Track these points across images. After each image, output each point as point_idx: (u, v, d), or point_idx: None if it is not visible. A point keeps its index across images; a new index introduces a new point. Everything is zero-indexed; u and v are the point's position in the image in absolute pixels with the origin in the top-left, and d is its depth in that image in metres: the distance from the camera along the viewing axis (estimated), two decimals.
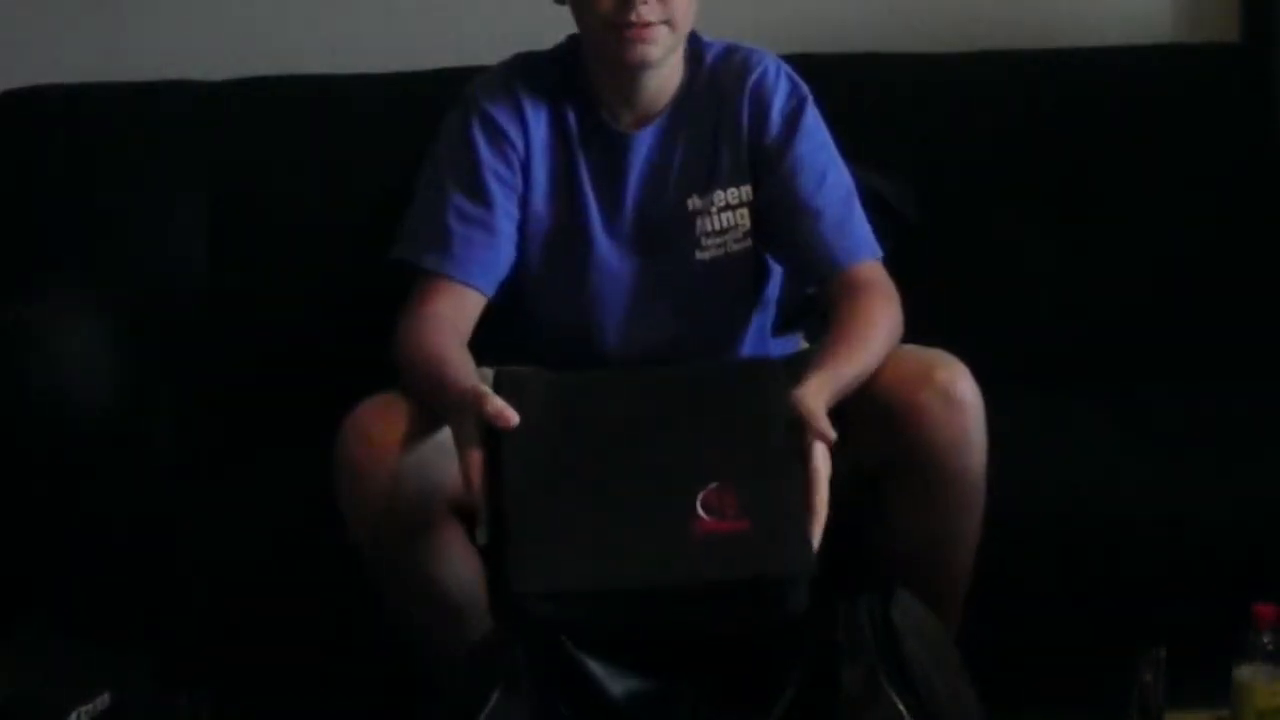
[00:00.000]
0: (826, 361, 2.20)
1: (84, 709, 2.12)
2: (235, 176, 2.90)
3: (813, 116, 2.46)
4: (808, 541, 2.01)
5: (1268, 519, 2.45)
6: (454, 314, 2.36)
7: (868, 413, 2.22)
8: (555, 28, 2.53)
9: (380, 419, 2.22)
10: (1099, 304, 2.87)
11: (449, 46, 2.60)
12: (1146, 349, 2.85)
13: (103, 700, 2.13)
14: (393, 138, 2.86)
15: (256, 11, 3.08)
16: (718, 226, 2.45)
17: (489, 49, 2.59)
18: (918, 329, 2.58)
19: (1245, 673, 2.12)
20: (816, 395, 2.11)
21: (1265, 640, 2.10)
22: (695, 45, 2.47)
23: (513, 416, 2.05)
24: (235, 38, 3.07)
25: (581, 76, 2.45)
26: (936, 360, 2.25)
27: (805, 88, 2.47)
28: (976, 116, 2.94)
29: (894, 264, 2.65)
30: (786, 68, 2.48)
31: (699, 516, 2.01)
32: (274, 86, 2.96)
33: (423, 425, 2.21)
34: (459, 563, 2.26)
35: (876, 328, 2.30)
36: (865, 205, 2.60)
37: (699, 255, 2.45)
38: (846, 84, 2.92)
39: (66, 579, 2.47)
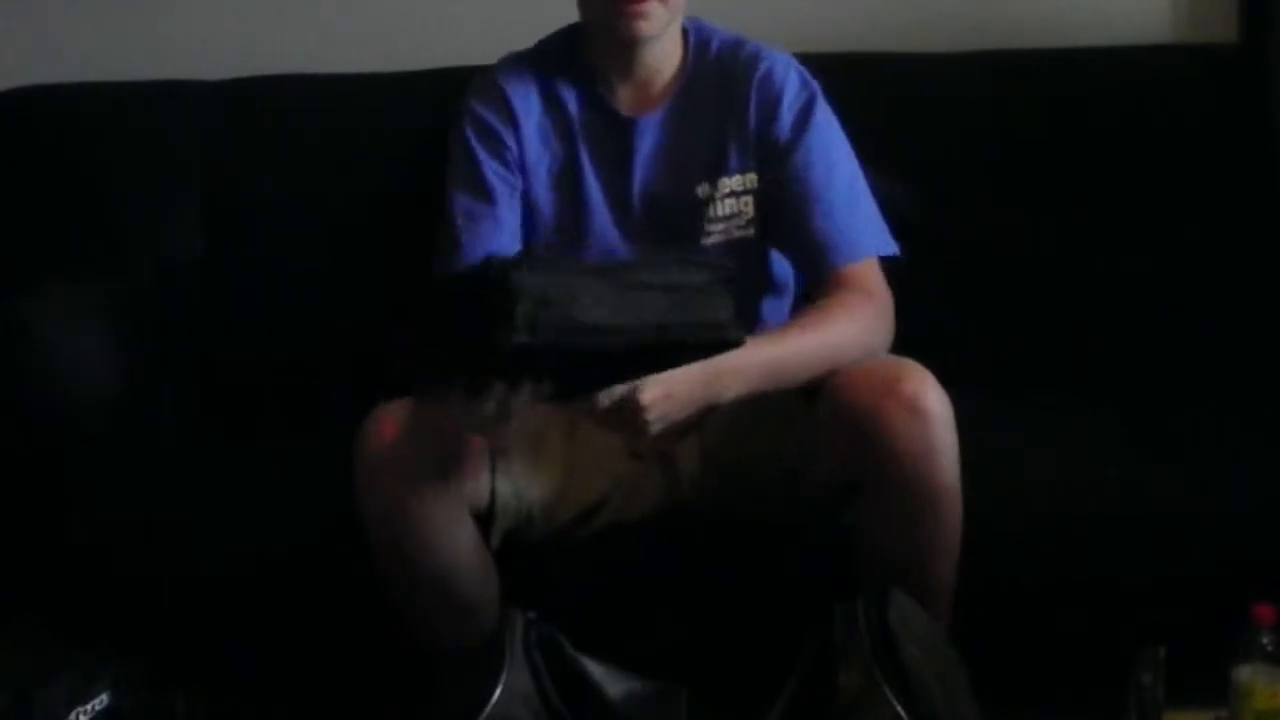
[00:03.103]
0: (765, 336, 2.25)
1: (82, 709, 2.13)
2: (234, 176, 2.91)
3: (823, 111, 2.49)
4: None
5: (1267, 519, 2.45)
6: None
7: (836, 425, 2.24)
8: (553, 27, 2.54)
9: (398, 424, 2.23)
10: (1098, 304, 2.87)
11: (448, 46, 2.60)
12: (1146, 349, 2.84)
13: (101, 701, 2.14)
14: (392, 138, 2.86)
15: (256, 11, 3.08)
16: (723, 213, 2.47)
17: (489, 49, 2.59)
18: (916, 329, 2.58)
19: (1244, 673, 2.11)
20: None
21: (1264, 641, 2.10)
22: (702, 32, 2.50)
23: None
24: (235, 38, 3.07)
25: (580, 58, 2.48)
26: (902, 370, 2.24)
27: (815, 84, 2.50)
28: (976, 116, 2.94)
29: (893, 264, 2.65)
30: (796, 63, 2.51)
31: None
32: (273, 86, 2.96)
33: (441, 429, 2.22)
34: (473, 563, 2.29)
35: (834, 322, 2.32)
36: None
37: (704, 241, 2.47)
38: (846, 84, 2.91)
39: (65, 579, 2.47)
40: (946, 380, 2.24)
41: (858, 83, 2.92)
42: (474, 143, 2.47)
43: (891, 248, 2.46)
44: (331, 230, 2.86)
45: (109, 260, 2.84)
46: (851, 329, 2.33)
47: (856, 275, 2.40)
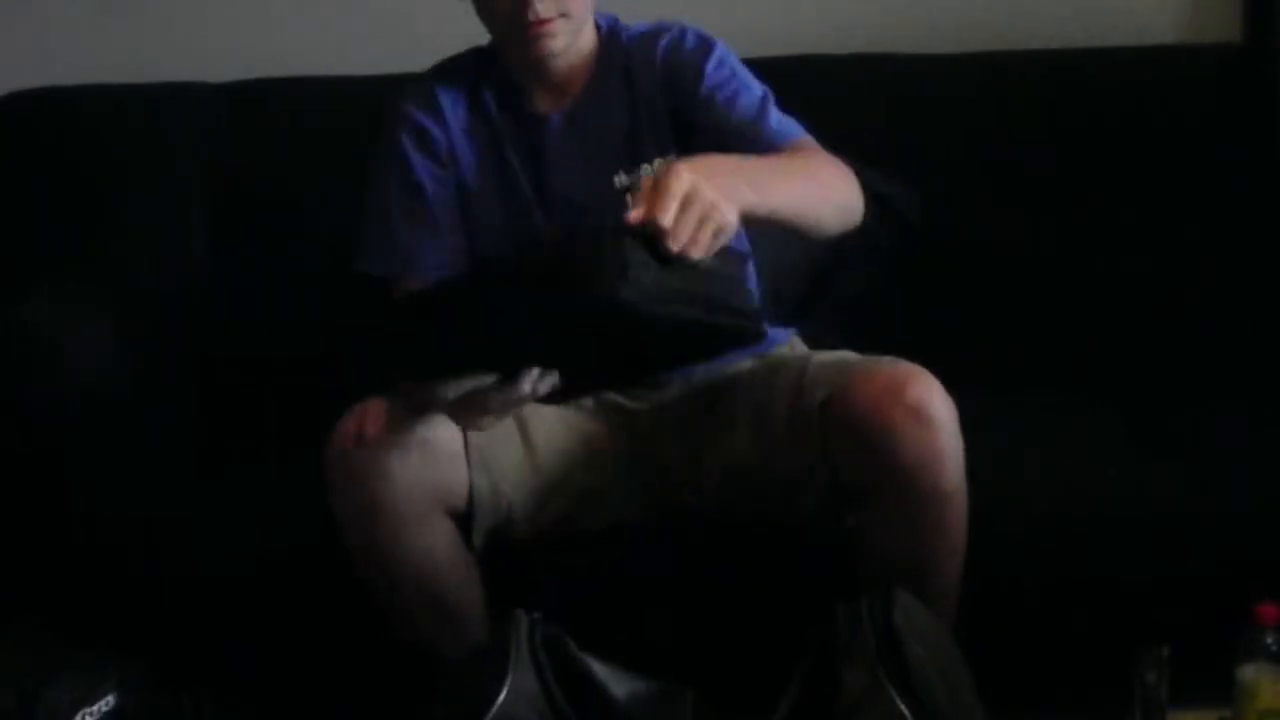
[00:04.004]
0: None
1: (89, 710, 2.12)
2: (235, 178, 2.92)
3: (719, 59, 2.44)
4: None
5: (1268, 519, 2.45)
6: None
7: (842, 431, 2.23)
8: None
9: (369, 421, 2.24)
10: (1099, 304, 2.87)
11: (448, 47, 2.60)
12: (1147, 349, 2.85)
13: (107, 702, 2.14)
14: None
15: (256, 13, 3.09)
16: None
17: None
18: (917, 329, 2.59)
19: (1248, 672, 2.11)
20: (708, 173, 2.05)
21: (1268, 640, 2.10)
22: (613, 26, 2.50)
23: None
24: (235, 40, 3.08)
25: (500, 64, 2.48)
26: (908, 376, 2.23)
27: (716, 40, 2.46)
28: (977, 117, 2.94)
29: (894, 264, 2.66)
30: (697, 28, 2.48)
31: None
32: (274, 88, 2.97)
33: (412, 427, 2.22)
34: (453, 564, 2.28)
35: (813, 156, 2.30)
36: (868, 207, 2.60)
37: None
38: (846, 84, 2.94)
39: (67, 579, 2.46)
40: (946, 381, 2.24)
41: (858, 83, 2.95)
42: (405, 143, 2.46)
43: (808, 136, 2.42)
44: (333, 231, 2.84)
45: (111, 262, 2.85)
46: (831, 165, 2.31)
47: (799, 143, 2.37)
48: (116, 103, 2.97)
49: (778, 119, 2.41)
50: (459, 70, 2.51)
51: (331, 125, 2.93)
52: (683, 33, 2.47)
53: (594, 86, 2.47)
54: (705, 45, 2.46)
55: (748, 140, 2.35)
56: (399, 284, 2.43)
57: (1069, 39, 3.02)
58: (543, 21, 2.34)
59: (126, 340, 2.59)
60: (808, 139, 2.40)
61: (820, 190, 2.27)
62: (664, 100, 2.44)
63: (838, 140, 2.65)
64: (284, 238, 2.88)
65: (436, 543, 2.26)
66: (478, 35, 2.47)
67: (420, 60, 2.75)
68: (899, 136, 2.90)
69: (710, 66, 2.42)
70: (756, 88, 2.44)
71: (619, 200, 2.43)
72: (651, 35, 2.48)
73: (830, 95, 2.87)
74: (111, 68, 2.99)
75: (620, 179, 2.44)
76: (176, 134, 2.94)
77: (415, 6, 3.06)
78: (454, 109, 2.48)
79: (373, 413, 2.25)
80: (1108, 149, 2.92)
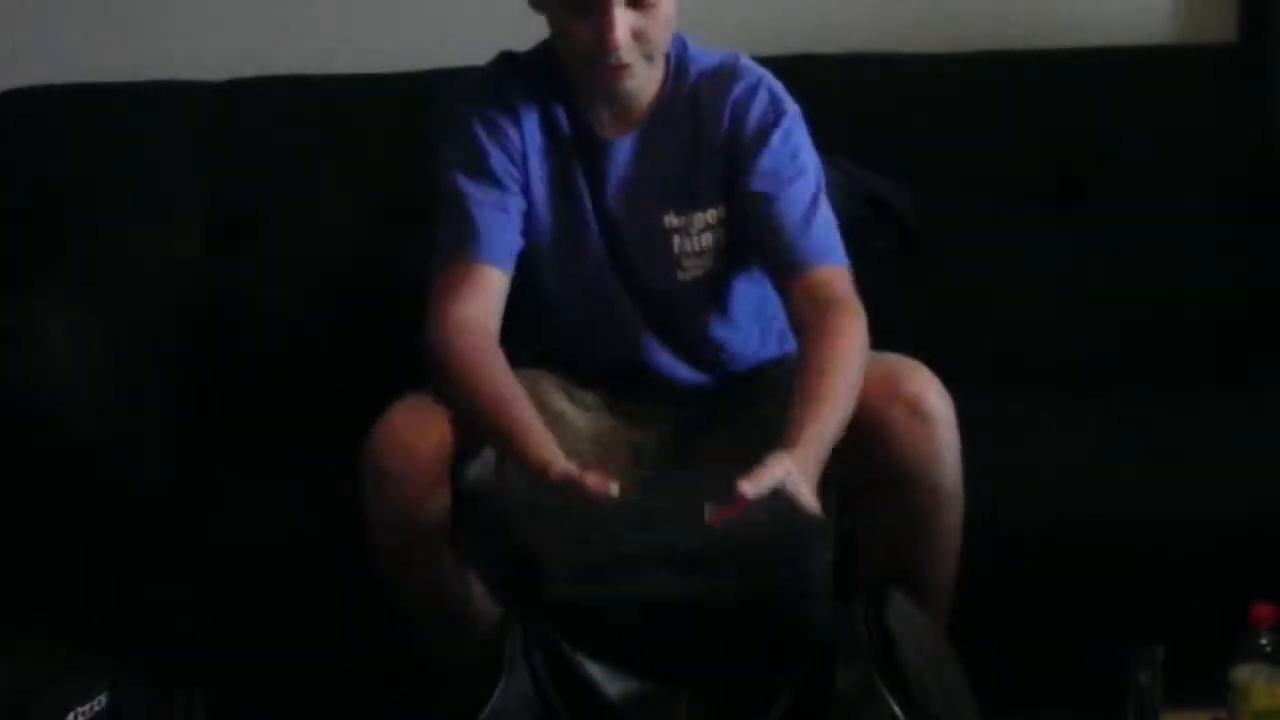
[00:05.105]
0: (808, 419, 2.15)
1: (81, 709, 2.12)
2: (235, 177, 2.92)
3: (786, 131, 2.40)
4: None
5: (1266, 519, 2.45)
6: (482, 310, 2.34)
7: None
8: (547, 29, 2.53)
9: (414, 426, 2.22)
10: (1098, 304, 2.87)
11: (448, 47, 2.60)
12: (1146, 349, 2.85)
13: (100, 701, 2.13)
14: (393, 138, 2.86)
15: (256, 12, 3.09)
16: (698, 248, 2.41)
17: (486, 50, 2.59)
18: (917, 329, 2.58)
19: (1243, 673, 2.11)
20: (804, 469, 2.09)
21: (1263, 641, 2.10)
22: (683, 54, 2.44)
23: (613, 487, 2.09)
24: (235, 38, 3.07)
25: (563, 78, 2.44)
26: (904, 372, 2.23)
27: (789, 103, 2.43)
28: (976, 117, 2.94)
29: (893, 265, 2.65)
30: (771, 82, 2.44)
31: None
32: (274, 87, 2.97)
33: (456, 432, 2.21)
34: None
35: (849, 362, 2.24)
36: (867, 208, 2.60)
37: (680, 276, 2.42)
38: (846, 84, 2.93)
39: (65, 579, 2.47)
40: (946, 381, 2.24)
41: (858, 83, 2.94)
42: (480, 133, 2.40)
43: (843, 260, 2.38)
44: (331, 231, 2.86)
45: (110, 262, 2.85)
46: (859, 351, 2.27)
47: (829, 280, 2.34)
48: (114, 102, 2.96)
49: (821, 231, 2.37)
50: (530, 75, 2.46)
51: (329, 125, 2.93)
52: (757, 85, 2.42)
53: (660, 117, 2.43)
54: (776, 111, 2.41)
55: (785, 246, 2.34)
56: (468, 264, 2.36)
57: (1068, 39, 3.02)
58: (625, 65, 2.32)
59: (125, 340, 2.60)
60: (837, 272, 2.35)
61: (850, 401, 2.22)
62: (723, 148, 2.41)
63: (838, 140, 2.66)
64: (283, 237, 2.88)
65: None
66: (478, 35, 2.47)
67: (420, 60, 2.77)
68: (899, 136, 2.89)
69: (776, 139, 2.39)
70: (811, 174, 2.40)
71: (668, 240, 2.42)
72: (726, 76, 2.42)
73: (830, 95, 2.86)
74: (109, 67, 2.99)
75: (671, 219, 2.42)
76: (174, 134, 2.94)
77: (415, 6, 3.06)
78: (529, 118, 2.43)
79: (417, 417, 2.24)
80: (1107, 149, 2.92)
